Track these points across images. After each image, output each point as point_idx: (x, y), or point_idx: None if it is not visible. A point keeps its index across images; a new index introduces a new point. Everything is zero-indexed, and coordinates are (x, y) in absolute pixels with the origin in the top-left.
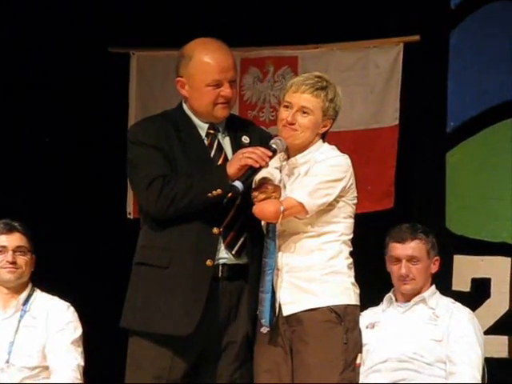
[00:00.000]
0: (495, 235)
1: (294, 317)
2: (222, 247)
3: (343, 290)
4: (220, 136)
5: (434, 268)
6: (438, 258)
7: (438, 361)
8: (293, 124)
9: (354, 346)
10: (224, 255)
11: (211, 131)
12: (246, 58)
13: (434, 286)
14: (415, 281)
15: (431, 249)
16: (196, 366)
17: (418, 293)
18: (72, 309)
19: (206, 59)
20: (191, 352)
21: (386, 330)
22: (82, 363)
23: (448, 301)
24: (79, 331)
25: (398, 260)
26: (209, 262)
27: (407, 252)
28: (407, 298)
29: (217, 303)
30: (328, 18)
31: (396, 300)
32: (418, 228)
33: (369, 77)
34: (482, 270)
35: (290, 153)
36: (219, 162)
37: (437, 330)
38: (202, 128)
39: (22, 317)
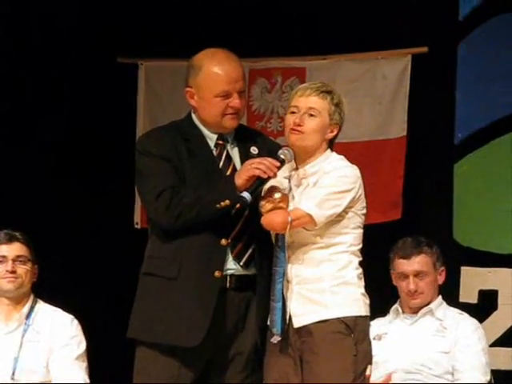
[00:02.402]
0: (503, 247)
1: (305, 328)
2: (230, 258)
3: (353, 301)
4: (229, 147)
5: (441, 279)
6: (443, 268)
7: (446, 372)
8: (300, 125)
9: (364, 357)
10: (232, 266)
11: (220, 142)
12: (254, 68)
13: (440, 297)
14: (424, 294)
15: (437, 261)
16: (203, 375)
17: (426, 305)
18: (76, 322)
19: (215, 70)
20: (198, 362)
21: (393, 341)
22: (87, 380)
23: (455, 312)
24: (83, 345)
25: (406, 276)
26: (217, 273)
27: (414, 267)
28: (415, 310)
29: (224, 314)
30: (336, 29)
31: (403, 312)
32: (421, 241)
33: (376, 88)
34: (490, 282)
35: (298, 162)
36: (228, 173)
37: (444, 341)
38: (211, 138)
39: (25, 331)
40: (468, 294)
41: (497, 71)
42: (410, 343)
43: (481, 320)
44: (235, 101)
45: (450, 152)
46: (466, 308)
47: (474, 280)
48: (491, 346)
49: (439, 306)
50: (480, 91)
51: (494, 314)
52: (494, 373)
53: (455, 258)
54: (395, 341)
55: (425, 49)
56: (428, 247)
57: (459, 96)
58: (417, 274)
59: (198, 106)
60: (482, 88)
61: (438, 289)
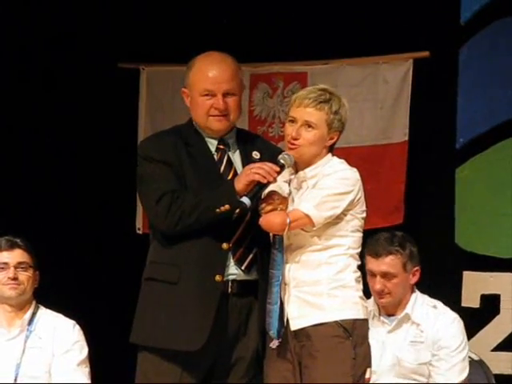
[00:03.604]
0: (505, 251)
1: (303, 332)
2: (232, 263)
3: (351, 305)
4: (230, 151)
5: (414, 279)
6: (417, 268)
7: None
8: (297, 139)
9: (363, 360)
10: (233, 271)
11: (221, 146)
12: (256, 73)
13: (414, 295)
14: (391, 295)
15: (409, 261)
16: (205, 381)
17: (398, 304)
18: (78, 327)
19: (202, 68)
20: (200, 367)
21: (374, 353)
22: None
23: (429, 306)
24: (85, 351)
25: (374, 275)
26: (218, 278)
27: (381, 268)
28: (388, 310)
29: (226, 319)
30: (337, 33)
31: (379, 313)
32: (394, 241)
33: (378, 93)
34: (492, 287)
35: (298, 166)
36: (229, 178)
37: (423, 349)
38: (212, 143)
39: (27, 337)
40: (470, 299)
41: (498, 76)
42: (390, 356)
43: (483, 324)
44: (219, 102)
45: (452, 156)
46: (468, 312)
47: (475, 284)
48: (493, 350)
49: (413, 305)
50: (481, 96)
51: (496, 318)
52: (496, 377)
53: (457, 262)
54: (376, 352)
55: (426, 53)
56: (400, 247)
57: (461, 100)
58: (384, 275)
59: (190, 106)
60: (483, 92)
61: (411, 288)
